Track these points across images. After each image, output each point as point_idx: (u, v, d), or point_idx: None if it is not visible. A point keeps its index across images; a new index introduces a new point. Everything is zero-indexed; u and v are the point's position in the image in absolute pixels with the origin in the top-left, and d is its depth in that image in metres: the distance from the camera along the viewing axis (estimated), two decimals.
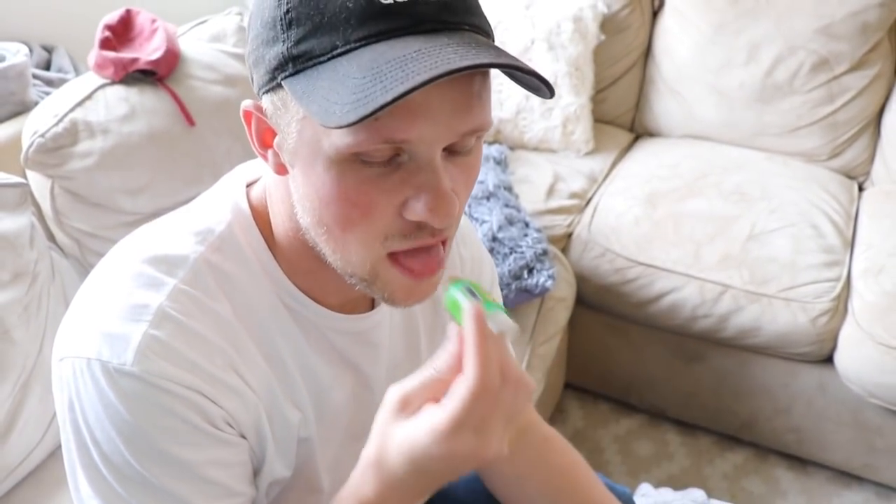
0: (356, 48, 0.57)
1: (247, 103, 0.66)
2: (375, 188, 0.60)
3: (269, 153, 0.67)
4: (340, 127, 0.54)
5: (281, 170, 0.66)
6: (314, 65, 0.58)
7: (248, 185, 0.75)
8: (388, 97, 0.53)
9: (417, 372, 0.62)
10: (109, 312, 0.66)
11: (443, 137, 0.59)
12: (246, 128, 0.67)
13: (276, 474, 0.76)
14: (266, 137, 0.66)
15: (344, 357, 0.78)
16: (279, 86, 0.61)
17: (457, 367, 0.60)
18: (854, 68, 2.03)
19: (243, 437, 0.71)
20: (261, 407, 0.71)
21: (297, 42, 0.58)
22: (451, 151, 0.62)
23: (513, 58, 0.57)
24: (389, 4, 0.56)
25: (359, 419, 0.83)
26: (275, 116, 0.63)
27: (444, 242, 0.66)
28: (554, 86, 2.05)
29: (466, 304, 0.60)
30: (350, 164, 0.59)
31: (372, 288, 0.66)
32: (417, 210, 0.60)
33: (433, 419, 0.59)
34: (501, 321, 0.61)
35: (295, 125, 0.61)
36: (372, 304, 0.80)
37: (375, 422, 0.64)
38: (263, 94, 0.64)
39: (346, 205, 0.61)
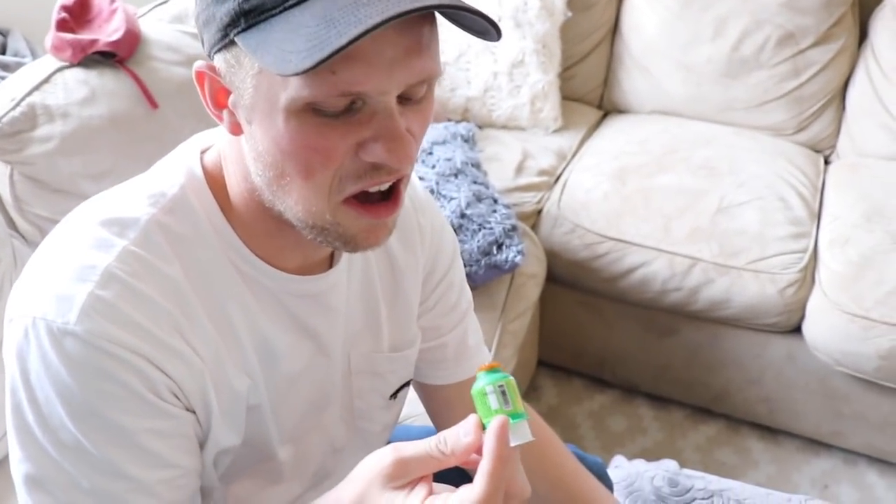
0: None
1: (199, 64, 0.66)
2: (334, 132, 0.61)
3: (224, 113, 0.66)
4: (297, 74, 0.55)
5: (236, 129, 0.66)
6: (266, 18, 0.59)
7: (203, 152, 0.75)
8: (343, 41, 0.54)
9: (422, 441, 0.61)
10: (58, 272, 0.65)
11: (396, 86, 0.60)
12: (199, 89, 0.67)
13: (224, 443, 0.75)
14: (220, 97, 0.66)
15: (299, 322, 0.78)
16: (232, 43, 0.61)
17: (462, 456, 0.60)
18: (819, 42, 2.05)
19: (190, 409, 0.71)
20: (206, 373, 0.70)
21: None
22: (404, 98, 0.63)
23: (462, 2, 0.58)
24: None
25: (317, 386, 0.83)
26: (228, 75, 0.63)
27: (399, 182, 0.67)
28: (521, 63, 2.06)
29: (495, 420, 0.60)
30: (308, 114, 0.60)
31: (332, 237, 0.67)
32: (376, 152, 0.62)
33: None
34: (522, 434, 0.61)
35: (250, 80, 0.61)
36: (329, 267, 0.80)
37: (362, 467, 0.63)
38: (216, 53, 0.64)
39: (308, 151, 0.61)
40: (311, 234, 0.67)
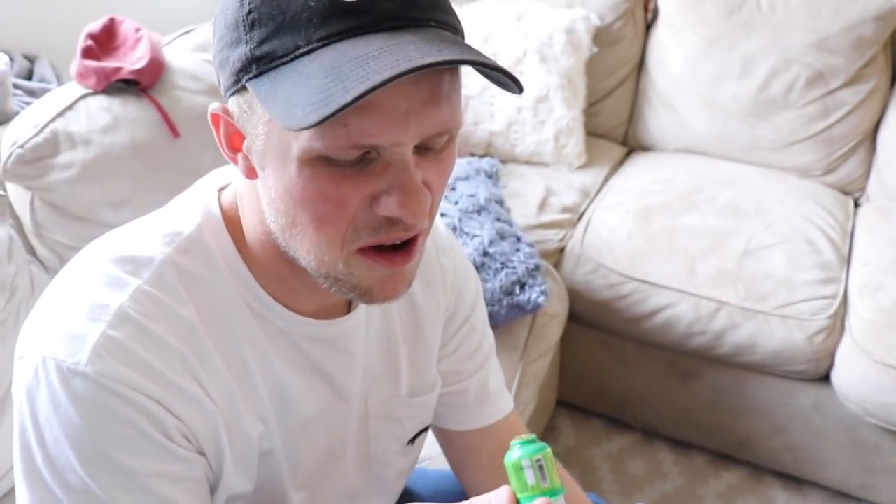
0: (319, 48, 0.55)
1: (214, 106, 0.64)
2: (347, 182, 0.59)
3: (239, 157, 0.65)
4: (302, 129, 0.53)
5: (251, 173, 0.65)
6: (277, 66, 0.57)
7: (221, 190, 0.74)
8: (349, 97, 0.51)
9: None
10: (70, 311, 0.64)
11: (411, 138, 0.58)
12: (214, 131, 0.65)
13: (235, 489, 0.73)
14: (235, 141, 0.64)
15: (316, 366, 0.76)
16: (244, 88, 0.59)
17: None
18: (849, 83, 2.02)
19: (201, 453, 0.69)
20: (219, 417, 0.68)
21: (260, 43, 0.57)
22: (423, 148, 0.60)
23: (477, 53, 0.56)
24: (352, 2, 0.55)
25: (334, 432, 0.81)
26: (241, 119, 0.62)
27: (417, 237, 0.64)
28: (545, 98, 2.05)
29: (537, 501, 0.57)
30: (321, 163, 0.58)
31: (346, 287, 0.65)
32: (389, 205, 0.59)
33: None
34: None
35: (262, 127, 0.60)
36: (347, 311, 0.77)
37: None
38: (230, 96, 0.62)
39: (320, 201, 0.59)
40: (325, 283, 0.65)
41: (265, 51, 0.57)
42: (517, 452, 0.59)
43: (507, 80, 0.58)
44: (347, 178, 0.58)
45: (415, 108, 0.56)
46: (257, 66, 0.57)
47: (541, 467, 0.58)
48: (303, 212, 0.60)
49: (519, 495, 0.58)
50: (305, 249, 0.63)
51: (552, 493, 0.58)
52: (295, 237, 0.63)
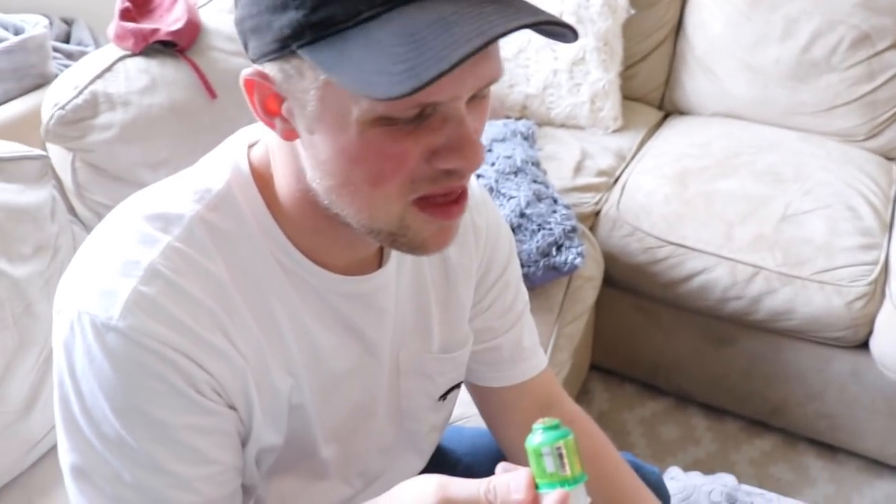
0: (383, 12, 0.55)
1: (247, 72, 0.63)
2: (408, 138, 0.60)
3: (276, 120, 0.64)
4: (392, 99, 0.53)
5: (290, 135, 0.65)
6: (338, 31, 0.56)
7: (251, 147, 0.74)
8: (444, 66, 0.51)
9: (472, 481, 0.60)
10: (104, 267, 0.65)
11: (467, 92, 0.59)
12: (247, 96, 0.65)
13: (265, 441, 0.75)
14: (272, 104, 0.64)
15: (347, 322, 0.76)
16: (292, 53, 0.58)
17: None
18: None
19: (231, 406, 0.70)
20: (248, 371, 0.70)
21: (315, 8, 0.56)
22: (469, 99, 0.61)
23: (549, 14, 0.56)
24: None
25: (364, 388, 0.82)
26: (285, 83, 0.61)
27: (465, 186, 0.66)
28: (581, 61, 2.02)
29: (554, 497, 0.57)
30: (380, 123, 0.58)
31: (401, 241, 0.66)
32: (450, 159, 0.61)
33: None
34: (577, 500, 0.58)
35: (314, 92, 0.59)
36: (377, 267, 0.78)
37: (404, 496, 0.62)
38: (268, 61, 0.61)
39: (380, 159, 0.60)
40: (376, 238, 0.66)
41: (322, 17, 0.55)
42: (538, 437, 0.58)
43: (563, 31, 0.59)
44: (407, 134, 0.59)
45: (470, 65, 0.56)
46: (312, 32, 0.56)
47: (560, 455, 0.58)
48: (359, 171, 0.61)
49: (538, 480, 0.58)
50: (357, 208, 0.63)
51: (571, 481, 0.57)
52: (345, 196, 0.63)
